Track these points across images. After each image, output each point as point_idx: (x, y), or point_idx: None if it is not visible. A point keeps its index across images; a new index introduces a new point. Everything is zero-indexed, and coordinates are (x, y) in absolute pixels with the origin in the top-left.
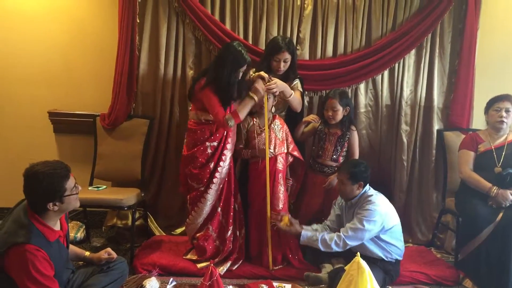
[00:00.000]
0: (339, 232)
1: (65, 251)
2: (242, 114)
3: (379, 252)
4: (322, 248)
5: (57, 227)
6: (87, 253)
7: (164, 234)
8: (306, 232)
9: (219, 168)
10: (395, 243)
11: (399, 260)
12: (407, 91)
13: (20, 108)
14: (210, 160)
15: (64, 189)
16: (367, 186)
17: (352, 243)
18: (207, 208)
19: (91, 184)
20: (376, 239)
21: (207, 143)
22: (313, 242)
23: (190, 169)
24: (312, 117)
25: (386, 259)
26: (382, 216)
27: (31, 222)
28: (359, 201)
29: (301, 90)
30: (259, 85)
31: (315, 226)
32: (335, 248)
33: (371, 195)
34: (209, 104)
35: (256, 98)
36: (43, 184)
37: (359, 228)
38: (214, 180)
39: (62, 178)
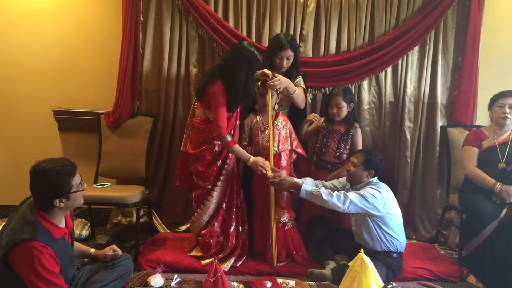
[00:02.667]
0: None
1: (70, 248)
2: (234, 151)
3: (381, 243)
4: (324, 197)
5: (62, 224)
6: (92, 250)
7: (168, 231)
8: (306, 186)
9: (226, 166)
10: (397, 236)
11: (401, 253)
12: (410, 88)
13: (25, 107)
14: (217, 158)
15: (71, 185)
16: (375, 178)
17: (354, 202)
18: (213, 206)
19: (95, 181)
20: (379, 230)
21: (215, 142)
22: (315, 194)
23: (197, 167)
24: (313, 115)
25: (387, 250)
26: (383, 198)
27: (36, 219)
28: (363, 186)
29: (304, 87)
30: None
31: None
32: (335, 201)
33: (377, 183)
34: (217, 113)
35: (250, 163)
36: (49, 181)
37: (362, 196)
38: (221, 177)
39: (69, 175)
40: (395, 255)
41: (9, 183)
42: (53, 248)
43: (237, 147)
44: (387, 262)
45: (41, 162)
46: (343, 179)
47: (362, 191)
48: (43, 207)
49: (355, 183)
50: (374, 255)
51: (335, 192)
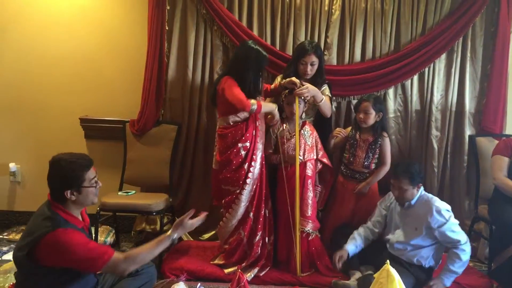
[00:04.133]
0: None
1: None
2: (264, 109)
3: (426, 260)
4: (462, 267)
5: (79, 218)
6: None
7: (191, 239)
8: (445, 280)
9: (251, 168)
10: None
11: (433, 269)
12: (437, 96)
13: (52, 115)
14: (245, 161)
15: (83, 178)
16: (422, 188)
17: (467, 244)
18: (241, 210)
19: (120, 189)
20: (437, 249)
21: (240, 144)
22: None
23: (225, 173)
24: (338, 130)
25: (423, 265)
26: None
27: (55, 213)
28: (419, 204)
29: (330, 95)
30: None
31: (356, 233)
32: (465, 260)
33: (431, 197)
34: (231, 91)
35: (275, 113)
36: (63, 170)
37: (460, 234)
38: (247, 180)
39: (83, 167)
40: (428, 269)
41: (36, 190)
42: None
43: (264, 104)
44: (418, 275)
45: (60, 154)
46: (386, 200)
47: (452, 235)
48: (57, 199)
49: (407, 201)
50: (407, 266)
51: (457, 253)
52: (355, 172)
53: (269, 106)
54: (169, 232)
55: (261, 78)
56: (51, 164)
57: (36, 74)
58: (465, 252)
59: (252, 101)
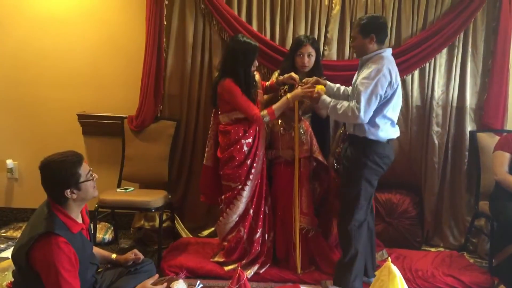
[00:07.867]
0: None
1: (88, 244)
2: (277, 113)
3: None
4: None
5: (79, 220)
6: (114, 256)
7: (190, 236)
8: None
9: (254, 164)
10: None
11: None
12: (438, 92)
13: (50, 111)
14: (248, 157)
15: (78, 174)
16: None
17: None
18: (242, 206)
19: (119, 185)
20: None
21: (243, 141)
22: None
23: (227, 170)
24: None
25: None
26: None
27: (53, 213)
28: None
29: None
30: (298, 90)
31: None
32: None
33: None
34: (239, 101)
35: (291, 100)
36: (56, 172)
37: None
38: (251, 176)
39: (74, 164)
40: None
41: (33, 187)
42: (71, 243)
43: (275, 108)
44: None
45: (48, 157)
46: None
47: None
48: (57, 201)
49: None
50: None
51: (352, 107)
52: None
53: (279, 105)
54: (114, 256)
55: (252, 68)
56: (42, 169)
57: (33, 70)
58: (356, 115)
59: (263, 112)
